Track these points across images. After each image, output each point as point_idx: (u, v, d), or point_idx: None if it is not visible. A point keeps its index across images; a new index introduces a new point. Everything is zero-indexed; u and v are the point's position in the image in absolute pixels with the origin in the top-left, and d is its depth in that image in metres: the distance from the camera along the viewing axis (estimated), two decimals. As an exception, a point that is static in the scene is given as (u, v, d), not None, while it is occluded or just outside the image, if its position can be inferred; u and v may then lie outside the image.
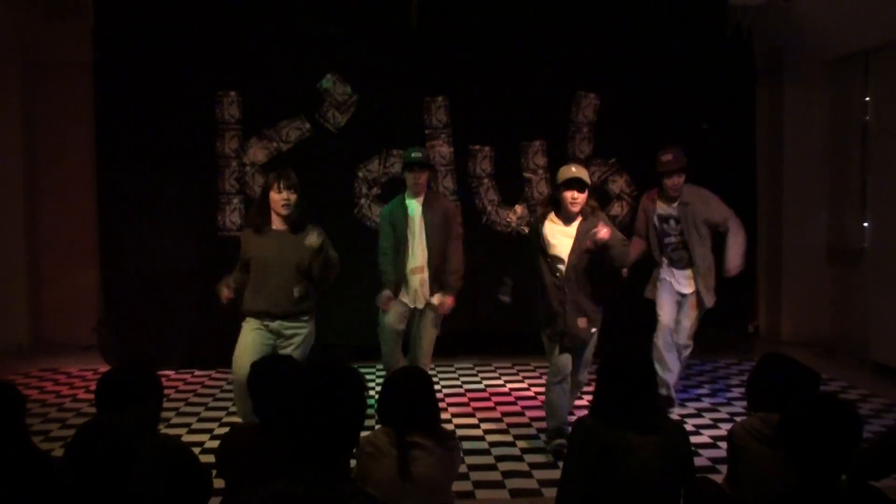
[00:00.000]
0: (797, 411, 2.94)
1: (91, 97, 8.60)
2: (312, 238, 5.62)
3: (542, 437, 6.15)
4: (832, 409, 2.91)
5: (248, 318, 5.83)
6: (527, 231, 8.09)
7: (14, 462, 3.13)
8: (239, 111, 8.51)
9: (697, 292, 6.92)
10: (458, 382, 7.97)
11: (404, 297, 6.60)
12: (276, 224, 5.77)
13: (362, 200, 8.54)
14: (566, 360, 5.84)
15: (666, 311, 6.99)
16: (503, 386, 7.86)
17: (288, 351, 5.68)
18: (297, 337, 5.77)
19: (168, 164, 8.36)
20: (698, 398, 7.36)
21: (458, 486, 4.89)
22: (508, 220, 8.67)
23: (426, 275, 6.56)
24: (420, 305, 6.62)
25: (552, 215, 5.87)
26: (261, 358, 4.17)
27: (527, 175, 8.77)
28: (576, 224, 5.80)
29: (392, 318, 6.58)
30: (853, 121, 9.19)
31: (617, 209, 8.72)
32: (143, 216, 8.39)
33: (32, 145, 9.31)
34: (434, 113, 8.64)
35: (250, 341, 5.70)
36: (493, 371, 8.39)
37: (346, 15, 8.49)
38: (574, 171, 5.82)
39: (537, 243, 5.88)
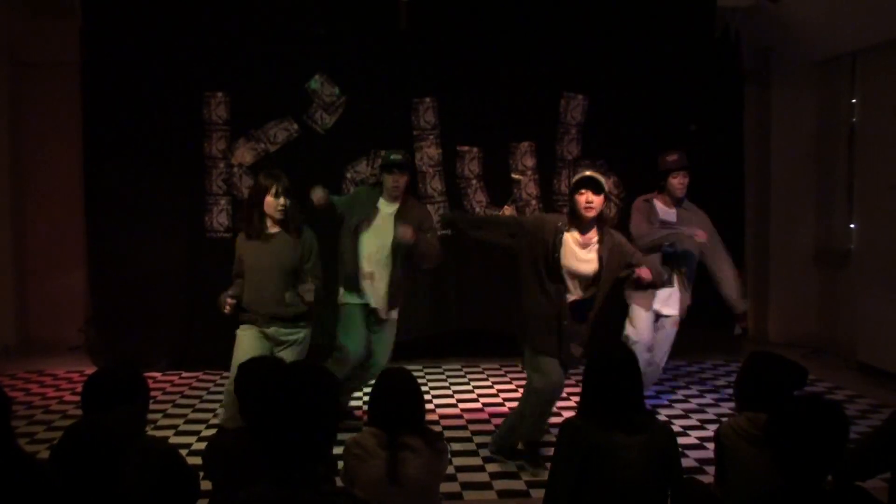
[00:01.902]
0: (784, 412, 2.95)
1: (78, 97, 8.56)
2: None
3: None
4: (819, 409, 2.92)
5: (242, 326, 5.79)
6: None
7: (-1, 464, 3.11)
8: (226, 112, 8.48)
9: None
10: (446, 384, 7.96)
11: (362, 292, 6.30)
12: (271, 227, 5.75)
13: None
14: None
15: (643, 329, 6.65)
16: (491, 387, 7.86)
17: (283, 355, 5.63)
18: (294, 345, 5.75)
19: (155, 164, 8.34)
20: (686, 399, 7.38)
21: (445, 487, 4.90)
22: (497, 221, 8.66)
23: (381, 284, 6.25)
24: (379, 308, 6.29)
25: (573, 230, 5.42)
26: (248, 360, 4.15)
27: (515, 176, 8.77)
28: (594, 241, 5.41)
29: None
30: (840, 122, 9.23)
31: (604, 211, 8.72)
32: (131, 217, 8.36)
33: (19, 145, 9.26)
34: (422, 114, 8.63)
35: (248, 347, 5.63)
36: (481, 372, 8.39)
37: (335, 16, 8.48)
38: (589, 173, 5.46)
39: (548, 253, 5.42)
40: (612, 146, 8.69)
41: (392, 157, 6.24)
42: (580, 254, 5.39)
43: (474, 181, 8.68)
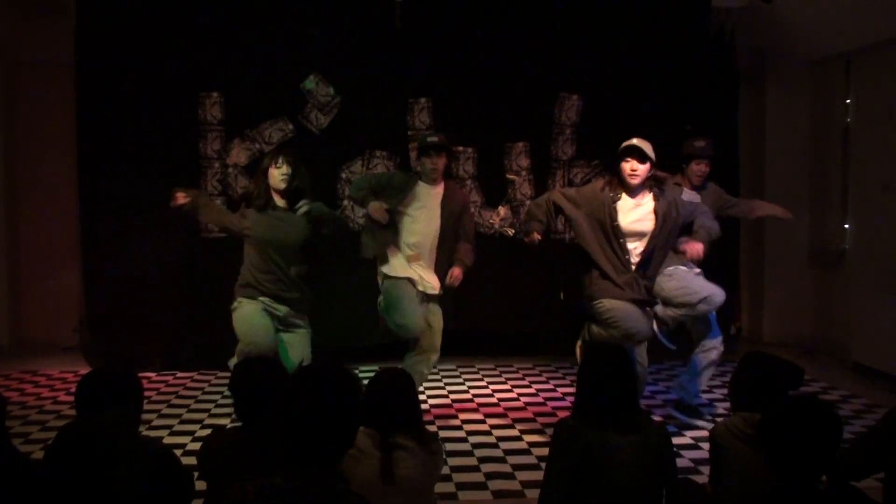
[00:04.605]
0: (778, 412, 2.95)
1: (73, 97, 8.54)
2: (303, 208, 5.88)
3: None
4: (812, 410, 2.92)
5: (243, 300, 5.89)
6: (511, 233, 8.12)
7: (-7, 465, 3.11)
8: (221, 112, 8.47)
9: None
10: (441, 384, 7.96)
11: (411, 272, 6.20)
12: (278, 201, 5.92)
13: (345, 202, 8.51)
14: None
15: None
16: (486, 388, 7.86)
17: (294, 342, 5.91)
18: (300, 329, 5.99)
19: (150, 164, 8.30)
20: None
21: (440, 487, 4.89)
22: (492, 221, 8.66)
23: (428, 268, 6.25)
24: (426, 290, 6.22)
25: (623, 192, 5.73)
26: (244, 359, 4.14)
27: (510, 176, 8.77)
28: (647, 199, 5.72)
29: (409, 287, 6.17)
30: (835, 122, 9.25)
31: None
32: (125, 217, 8.33)
33: (13, 145, 9.24)
34: (417, 114, 8.62)
35: (258, 318, 5.79)
36: (476, 373, 8.38)
37: (330, 16, 8.46)
38: (635, 141, 5.74)
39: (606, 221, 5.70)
40: (607, 147, 8.56)
41: (429, 139, 6.25)
42: (635, 214, 5.69)
43: (469, 181, 8.67)
